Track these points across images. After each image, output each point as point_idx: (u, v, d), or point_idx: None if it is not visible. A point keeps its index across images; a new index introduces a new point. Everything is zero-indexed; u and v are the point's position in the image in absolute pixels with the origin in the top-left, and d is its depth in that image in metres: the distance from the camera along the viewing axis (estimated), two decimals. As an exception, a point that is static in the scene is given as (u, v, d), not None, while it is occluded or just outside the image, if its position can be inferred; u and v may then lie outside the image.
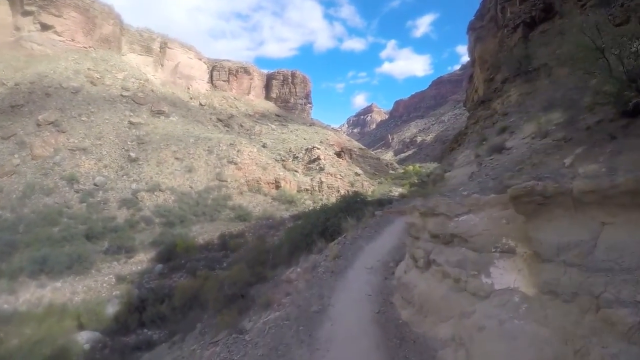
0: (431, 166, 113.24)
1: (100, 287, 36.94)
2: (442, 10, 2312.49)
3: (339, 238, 19.33)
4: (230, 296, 17.61)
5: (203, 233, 57.07)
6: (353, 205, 24.69)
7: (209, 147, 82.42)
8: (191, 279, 34.46)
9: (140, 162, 72.39)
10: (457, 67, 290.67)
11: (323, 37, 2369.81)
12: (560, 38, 11.95)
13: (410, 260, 11.13)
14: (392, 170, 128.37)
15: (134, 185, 65.25)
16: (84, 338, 24.60)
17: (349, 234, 19.01)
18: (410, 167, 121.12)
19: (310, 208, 60.21)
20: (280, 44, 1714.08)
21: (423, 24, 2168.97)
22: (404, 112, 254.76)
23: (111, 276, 39.12)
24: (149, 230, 54.65)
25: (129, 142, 77.85)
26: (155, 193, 64.95)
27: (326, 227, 22.15)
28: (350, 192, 28.52)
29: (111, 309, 29.74)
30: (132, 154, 73.92)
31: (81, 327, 26.83)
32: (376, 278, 13.25)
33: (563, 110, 10.27)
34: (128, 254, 45.34)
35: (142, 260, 44.89)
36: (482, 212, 7.44)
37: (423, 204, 9.97)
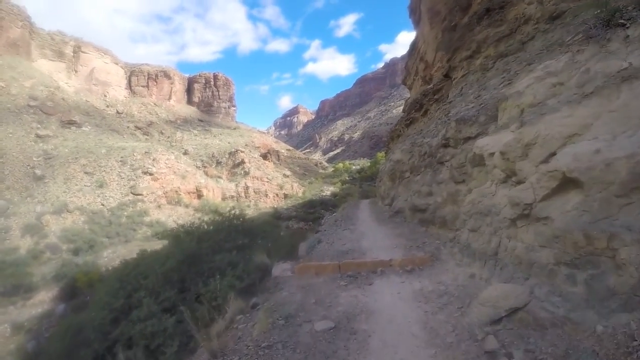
0: (361, 162, 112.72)
1: (-7, 341, 28.24)
2: (365, 9, 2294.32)
3: None
4: None
5: (115, 259, 44.76)
6: (208, 260, 9.44)
7: (122, 157, 69.77)
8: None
9: (47, 180, 60.26)
10: (380, 64, 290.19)
11: (247, 38, 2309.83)
12: None
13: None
14: (322, 169, 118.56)
15: (38, 208, 52.99)
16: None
17: None
18: (340, 165, 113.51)
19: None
20: (203, 47, 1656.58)
21: (346, 24, 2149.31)
22: (330, 112, 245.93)
23: (6, 325, 30.31)
24: (55, 260, 43.84)
25: (34, 158, 64.95)
26: (63, 215, 53.27)
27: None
28: (215, 217, 11.77)
29: (3, 372, 21.76)
30: (38, 172, 61.50)
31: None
32: None
33: None
34: (27, 294, 35.47)
35: (43, 300, 35.17)
36: None
37: None
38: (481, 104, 9.01)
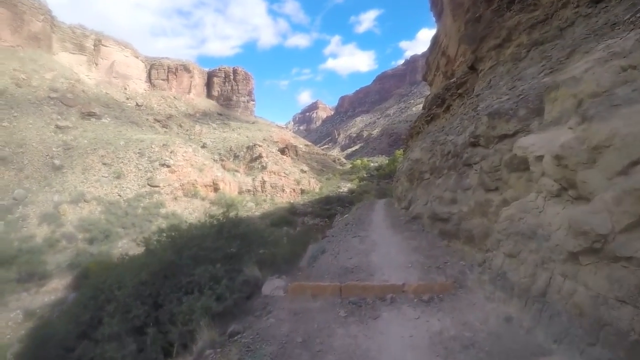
0: (379, 160, 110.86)
1: (5, 327, 28.74)
2: (385, 6, 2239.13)
3: None
4: None
5: (129, 249, 43.82)
6: (189, 272, 7.64)
7: (140, 149, 68.91)
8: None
9: (65, 170, 59.77)
10: (401, 61, 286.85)
11: (267, 33, 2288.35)
12: None
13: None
14: (340, 165, 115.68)
15: (56, 197, 52.45)
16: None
17: None
18: (358, 162, 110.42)
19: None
20: (223, 42, 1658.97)
21: (367, 20, 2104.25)
22: (349, 108, 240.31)
23: (19, 311, 30.53)
24: (70, 249, 43.41)
25: (54, 149, 64.49)
26: (80, 204, 52.62)
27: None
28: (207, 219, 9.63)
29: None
30: (57, 162, 61.10)
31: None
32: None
33: None
34: (41, 282, 35.33)
35: (56, 288, 35.17)
36: None
37: None
38: (519, 95, 7.36)
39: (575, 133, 4.39)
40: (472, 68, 15.20)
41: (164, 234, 8.84)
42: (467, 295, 5.93)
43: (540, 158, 4.99)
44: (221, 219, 9.50)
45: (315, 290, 6.43)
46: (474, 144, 8.26)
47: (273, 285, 7.05)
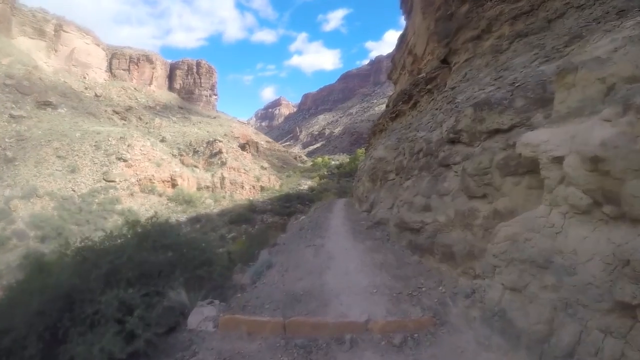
0: (340, 158, 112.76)
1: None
2: (354, 5, 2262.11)
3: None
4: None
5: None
6: (96, 298, 5.67)
7: (96, 142, 66.52)
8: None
9: (17, 163, 57.43)
10: (366, 61, 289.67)
11: (233, 27, 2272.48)
12: None
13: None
14: (301, 163, 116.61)
15: (7, 192, 50.40)
16: None
17: None
18: (319, 159, 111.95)
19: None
20: (188, 33, 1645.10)
21: (334, 19, 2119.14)
22: (312, 106, 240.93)
23: None
24: (21, 248, 40.64)
25: (6, 140, 62.28)
26: (32, 200, 50.58)
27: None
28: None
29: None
30: (9, 154, 58.88)
31: None
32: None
33: None
34: None
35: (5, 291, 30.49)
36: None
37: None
38: (513, 83, 6.03)
39: (619, 127, 3.02)
40: (445, 62, 14.03)
41: (73, 247, 7.01)
42: (452, 336, 4.41)
43: (559, 160, 3.61)
44: (147, 225, 7.72)
45: (252, 327, 4.87)
46: (454, 141, 6.86)
47: (202, 316, 5.43)
